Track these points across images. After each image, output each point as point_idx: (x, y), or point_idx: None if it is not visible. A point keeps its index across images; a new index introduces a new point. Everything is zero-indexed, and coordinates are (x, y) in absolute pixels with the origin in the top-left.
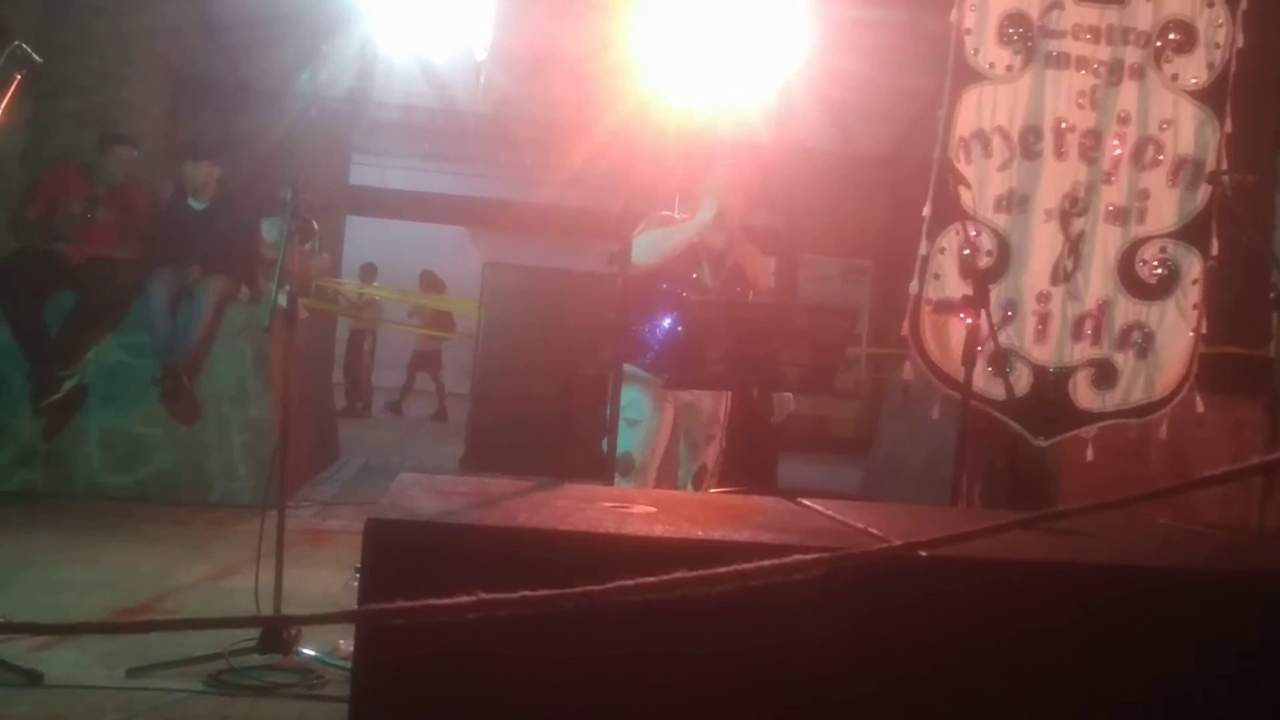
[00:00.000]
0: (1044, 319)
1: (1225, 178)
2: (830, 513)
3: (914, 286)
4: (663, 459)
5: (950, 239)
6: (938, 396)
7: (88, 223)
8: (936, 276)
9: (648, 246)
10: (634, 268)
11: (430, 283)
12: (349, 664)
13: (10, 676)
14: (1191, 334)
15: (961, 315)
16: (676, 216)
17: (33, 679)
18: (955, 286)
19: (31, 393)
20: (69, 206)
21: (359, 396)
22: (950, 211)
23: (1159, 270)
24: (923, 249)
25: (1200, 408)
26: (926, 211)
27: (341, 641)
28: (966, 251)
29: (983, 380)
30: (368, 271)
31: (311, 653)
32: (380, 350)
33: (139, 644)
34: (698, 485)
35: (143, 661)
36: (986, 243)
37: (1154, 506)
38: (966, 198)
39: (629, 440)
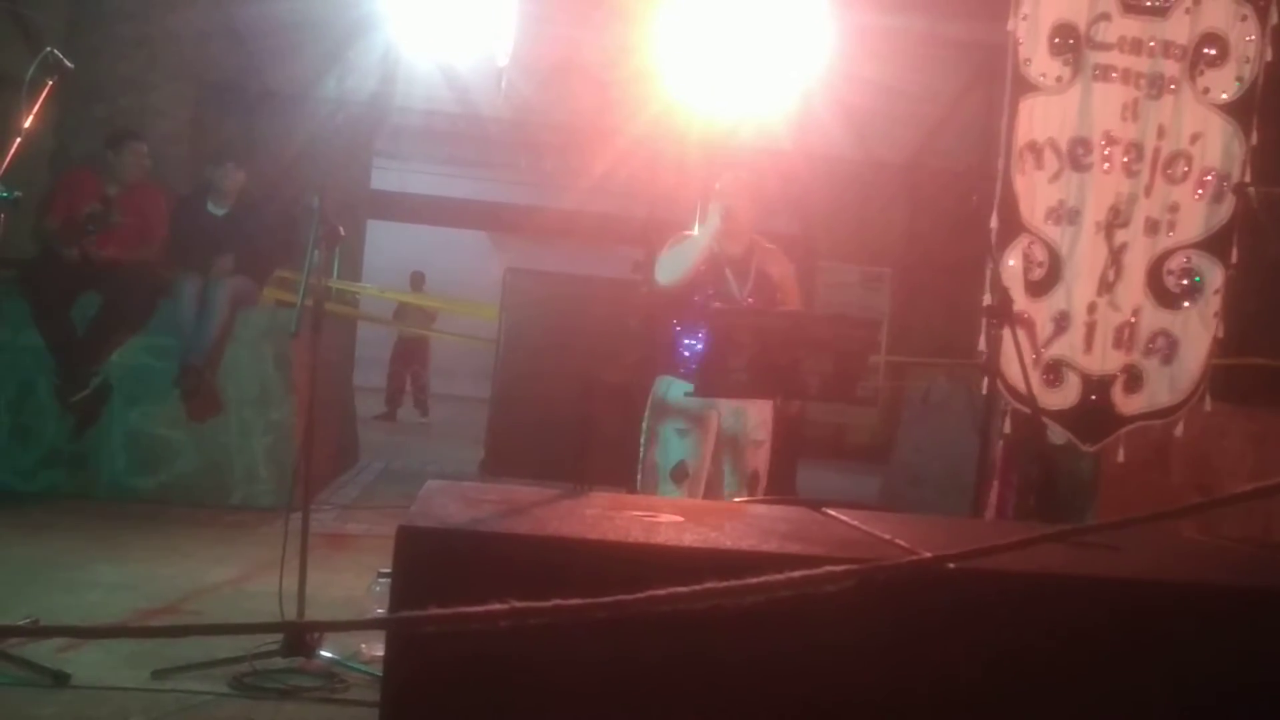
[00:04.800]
0: (1091, 328)
1: (1251, 190)
2: (856, 523)
3: (987, 299)
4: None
5: (1018, 252)
6: (1008, 409)
7: (105, 226)
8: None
9: (666, 266)
10: (660, 288)
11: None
12: (371, 668)
13: (37, 677)
14: (1211, 339)
15: (1001, 328)
16: (693, 233)
17: (59, 679)
18: (1023, 301)
19: (58, 389)
20: (85, 210)
21: (400, 402)
22: (1017, 224)
23: (1183, 281)
24: (991, 262)
25: (1208, 406)
26: (993, 224)
27: (364, 645)
28: (1028, 264)
29: (1039, 391)
30: (416, 279)
31: (334, 656)
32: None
33: (164, 645)
34: (751, 492)
35: (168, 663)
36: (1038, 254)
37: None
38: (1023, 210)
39: (682, 449)
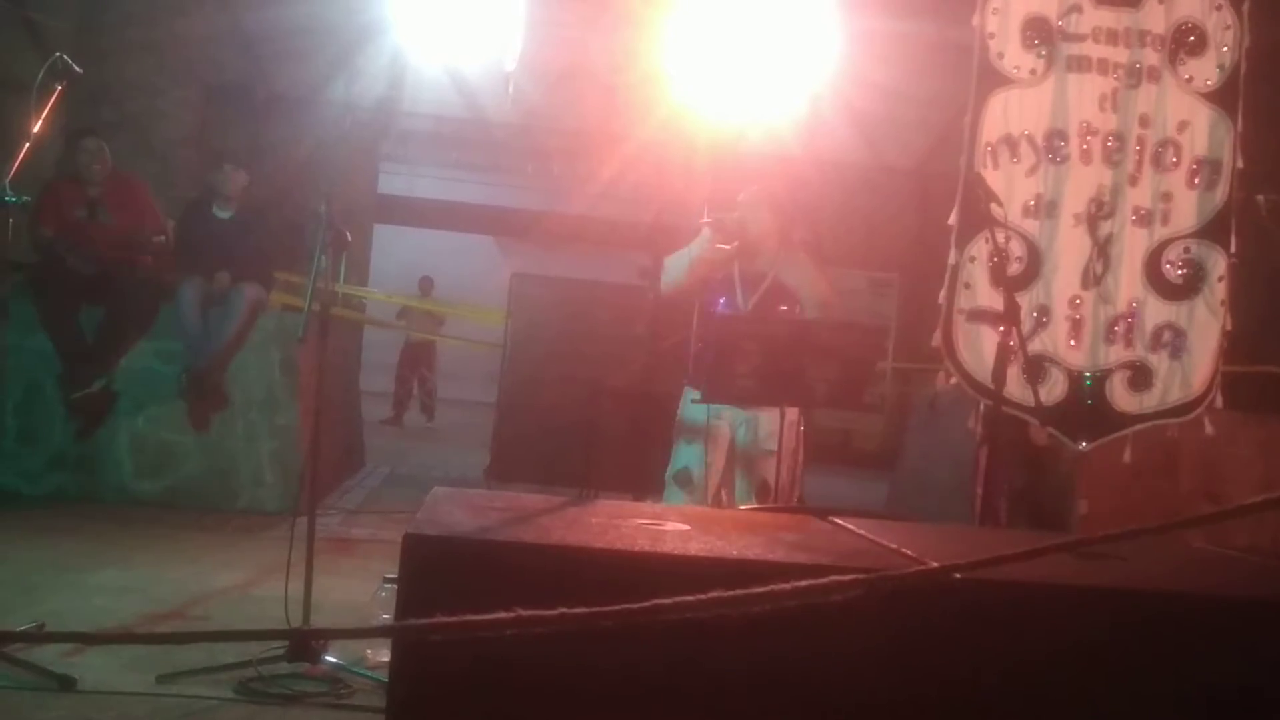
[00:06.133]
0: (1076, 323)
1: (1260, 198)
2: (862, 532)
3: (944, 296)
4: (722, 475)
5: (980, 247)
6: (973, 407)
7: (94, 226)
8: (967, 286)
9: (665, 274)
10: (664, 293)
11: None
12: (377, 674)
13: (42, 681)
14: (1220, 329)
15: (998, 328)
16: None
17: (65, 684)
18: (986, 295)
19: (62, 389)
20: (73, 216)
21: (406, 406)
22: (979, 219)
23: (1184, 270)
24: (952, 258)
25: (1219, 403)
26: (954, 220)
27: (369, 651)
28: (996, 259)
29: (1016, 388)
30: (425, 284)
31: (339, 662)
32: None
33: (169, 650)
34: (761, 501)
35: (173, 668)
36: (1016, 249)
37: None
38: (995, 206)
39: (687, 455)
